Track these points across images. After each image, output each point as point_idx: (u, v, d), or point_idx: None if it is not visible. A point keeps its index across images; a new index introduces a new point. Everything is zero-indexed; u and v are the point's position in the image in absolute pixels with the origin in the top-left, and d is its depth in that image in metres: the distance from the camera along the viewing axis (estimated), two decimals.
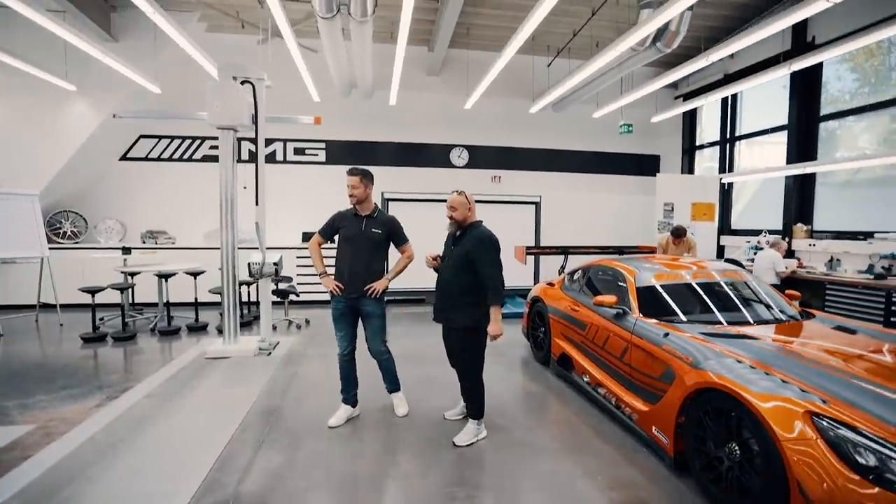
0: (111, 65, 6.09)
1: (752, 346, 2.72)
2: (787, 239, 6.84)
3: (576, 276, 4.59)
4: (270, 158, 8.82)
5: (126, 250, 7.65)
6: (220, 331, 5.70)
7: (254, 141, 5.17)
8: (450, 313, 3.01)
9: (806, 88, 6.98)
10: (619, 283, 3.79)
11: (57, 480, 2.52)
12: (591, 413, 3.56)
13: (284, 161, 8.84)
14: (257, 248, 5.15)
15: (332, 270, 3.34)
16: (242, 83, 4.94)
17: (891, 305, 5.07)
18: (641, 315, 3.39)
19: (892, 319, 5.05)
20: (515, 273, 7.63)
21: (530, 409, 3.68)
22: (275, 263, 5.10)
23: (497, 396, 3.82)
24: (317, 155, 8.87)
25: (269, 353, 4.97)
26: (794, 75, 6.72)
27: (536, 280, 8.02)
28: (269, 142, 8.83)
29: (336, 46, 6.31)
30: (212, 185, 8.31)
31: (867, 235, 6.12)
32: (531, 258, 7.67)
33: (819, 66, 6.83)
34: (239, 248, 5.18)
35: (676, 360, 2.76)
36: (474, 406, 3.11)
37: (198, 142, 8.62)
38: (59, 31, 5.19)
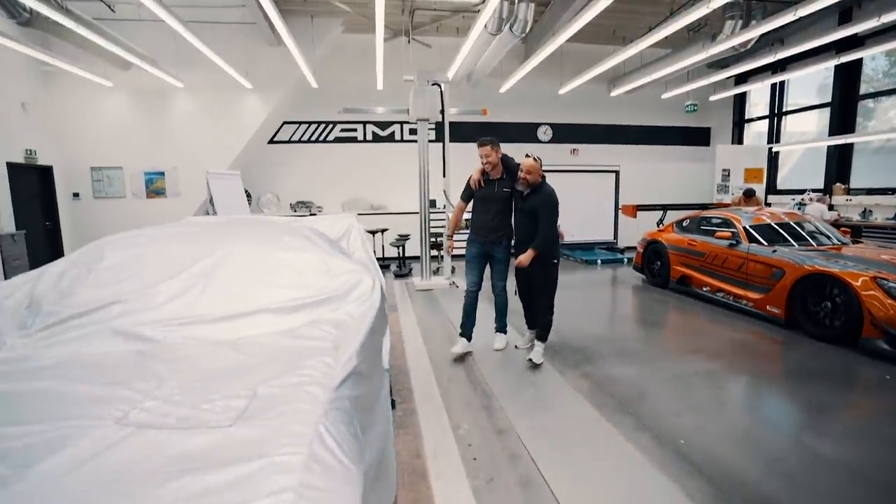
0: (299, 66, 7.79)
1: (830, 253, 4.57)
2: (827, 195, 8.58)
3: (685, 224, 6.43)
4: (390, 138, 10.59)
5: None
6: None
7: (430, 128, 6.94)
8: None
9: (847, 72, 8.56)
10: (729, 225, 5.63)
11: None
12: (709, 308, 5.46)
13: (402, 140, 10.59)
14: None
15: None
16: (433, 84, 6.68)
17: None
18: (748, 242, 5.24)
19: None
20: (593, 229, 9.57)
21: (664, 310, 5.61)
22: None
23: (639, 306, 5.75)
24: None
25: (456, 286, 6.90)
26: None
27: (615, 234, 9.88)
28: (387, 125, 10.58)
29: (475, 49, 7.96)
30: (345, 161, 10.24)
31: (893, 191, 7.85)
32: (611, 216, 9.57)
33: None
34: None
35: (786, 262, 4.63)
36: (546, 330, 3.79)
37: (331, 126, 10.38)
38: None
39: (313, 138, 10.39)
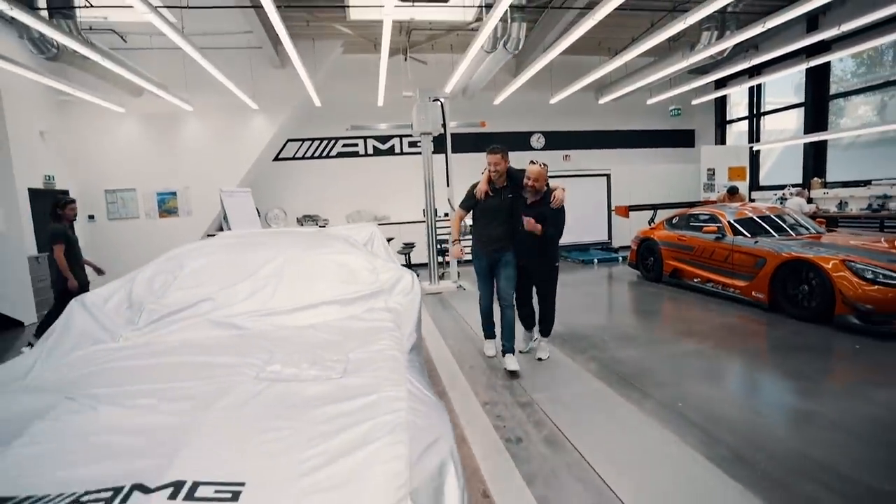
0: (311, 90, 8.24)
1: (806, 241, 5.04)
2: (806, 189, 9.12)
3: (674, 221, 6.90)
4: (389, 151, 11.05)
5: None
6: None
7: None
8: (533, 258, 3.71)
9: (818, 74, 9.15)
10: (715, 220, 6.10)
11: None
12: (700, 297, 5.90)
13: (402, 153, 11.04)
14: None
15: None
16: (434, 100, 7.13)
17: (883, 228, 7.40)
18: (733, 235, 5.71)
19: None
20: (588, 230, 10.03)
21: (659, 301, 6.05)
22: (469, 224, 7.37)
23: (636, 298, 6.19)
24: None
25: (463, 289, 7.30)
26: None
27: (609, 235, 10.36)
28: (387, 139, 11.04)
29: (471, 66, 8.45)
30: (347, 175, 10.66)
31: (866, 183, 8.39)
32: (605, 217, 10.06)
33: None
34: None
35: (767, 252, 5.09)
36: (550, 327, 3.96)
37: (333, 141, 10.82)
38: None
39: (317, 154, 10.82)
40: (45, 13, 5.91)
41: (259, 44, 8.57)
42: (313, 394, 1.52)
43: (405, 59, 9.62)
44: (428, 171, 7.30)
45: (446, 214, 8.77)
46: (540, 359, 3.91)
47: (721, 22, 7.45)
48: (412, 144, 11.09)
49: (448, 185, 7.35)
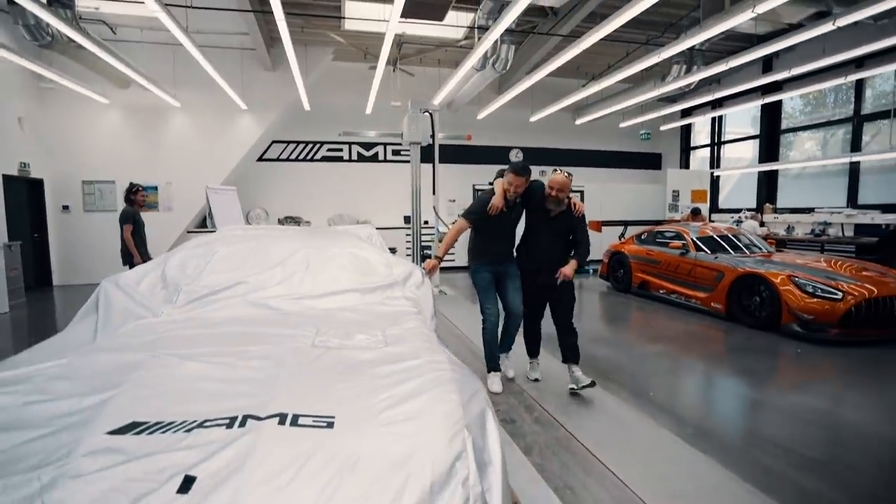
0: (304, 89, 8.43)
1: (759, 259, 5.64)
2: (759, 213, 9.95)
3: (643, 237, 7.46)
4: (373, 158, 11.31)
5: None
6: None
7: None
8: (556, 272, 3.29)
9: (771, 110, 10.06)
10: (680, 237, 6.67)
11: None
12: (665, 307, 6.44)
13: (385, 160, 11.32)
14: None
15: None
16: (424, 112, 7.47)
17: (823, 251, 8.22)
18: (695, 251, 6.28)
19: None
20: None
21: (628, 310, 6.55)
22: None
23: (607, 307, 6.68)
24: (409, 155, 11.36)
25: (445, 293, 7.61)
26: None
27: None
28: (371, 145, 11.30)
29: (459, 81, 8.87)
30: (331, 179, 10.85)
31: (810, 210, 9.27)
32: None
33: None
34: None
35: (725, 266, 5.66)
36: (577, 351, 3.46)
37: (318, 145, 10.99)
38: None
39: (301, 157, 10.96)
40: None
41: (253, 46, 8.72)
42: (365, 358, 1.80)
43: (394, 70, 9.96)
44: (415, 180, 7.61)
45: (426, 222, 9.06)
46: (578, 387, 3.35)
47: (689, 58, 8.16)
48: (396, 153, 11.40)
49: (434, 194, 7.68)
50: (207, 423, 1.30)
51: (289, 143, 10.85)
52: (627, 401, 3.31)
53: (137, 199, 5.88)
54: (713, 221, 11.37)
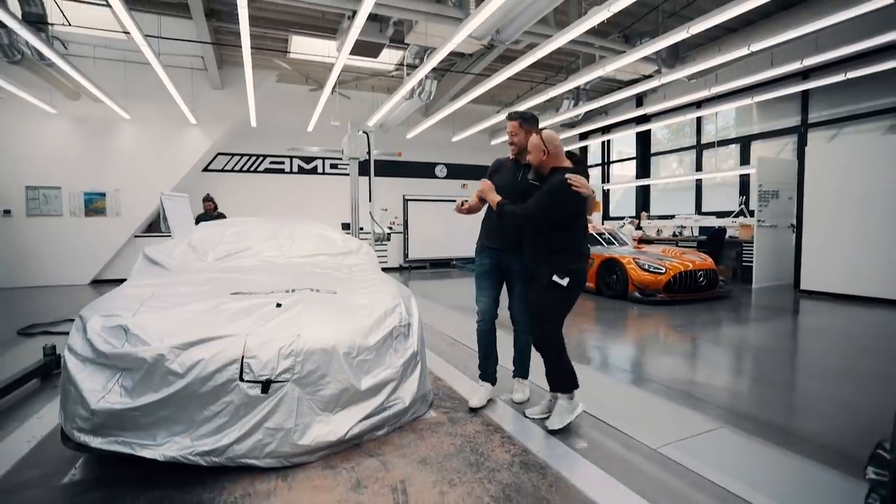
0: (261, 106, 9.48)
1: (617, 248, 7.61)
2: (637, 219, 12.33)
3: None
4: (313, 171, 12.43)
5: None
6: None
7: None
8: (539, 263, 2.81)
9: (644, 137, 12.57)
10: None
11: None
12: None
13: (324, 173, 12.48)
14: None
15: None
16: (361, 132, 8.85)
17: (677, 246, 10.60)
18: None
19: None
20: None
21: None
22: (388, 230, 9.06)
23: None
24: (346, 168, 12.63)
25: None
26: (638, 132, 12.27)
27: None
28: (311, 159, 12.43)
29: (390, 107, 10.35)
30: (273, 191, 11.81)
31: (672, 217, 11.75)
32: None
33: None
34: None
35: (595, 255, 7.55)
36: (563, 380, 2.94)
37: (261, 158, 11.93)
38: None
39: (245, 168, 11.84)
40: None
41: (204, 66, 9.65)
42: (342, 276, 3.18)
43: (332, 93, 11.24)
44: (354, 192, 8.93)
45: (362, 228, 10.33)
46: (552, 431, 2.73)
47: (576, 95, 10.28)
48: (333, 166, 12.62)
49: (370, 201, 9.03)
50: (275, 291, 2.64)
51: (233, 155, 11.70)
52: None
53: (206, 207, 8.52)
54: (603, 225, 13.75)
